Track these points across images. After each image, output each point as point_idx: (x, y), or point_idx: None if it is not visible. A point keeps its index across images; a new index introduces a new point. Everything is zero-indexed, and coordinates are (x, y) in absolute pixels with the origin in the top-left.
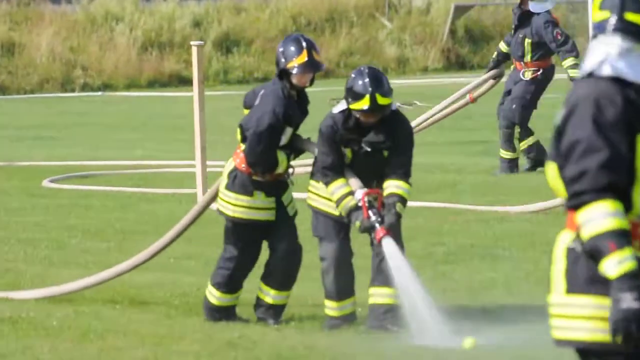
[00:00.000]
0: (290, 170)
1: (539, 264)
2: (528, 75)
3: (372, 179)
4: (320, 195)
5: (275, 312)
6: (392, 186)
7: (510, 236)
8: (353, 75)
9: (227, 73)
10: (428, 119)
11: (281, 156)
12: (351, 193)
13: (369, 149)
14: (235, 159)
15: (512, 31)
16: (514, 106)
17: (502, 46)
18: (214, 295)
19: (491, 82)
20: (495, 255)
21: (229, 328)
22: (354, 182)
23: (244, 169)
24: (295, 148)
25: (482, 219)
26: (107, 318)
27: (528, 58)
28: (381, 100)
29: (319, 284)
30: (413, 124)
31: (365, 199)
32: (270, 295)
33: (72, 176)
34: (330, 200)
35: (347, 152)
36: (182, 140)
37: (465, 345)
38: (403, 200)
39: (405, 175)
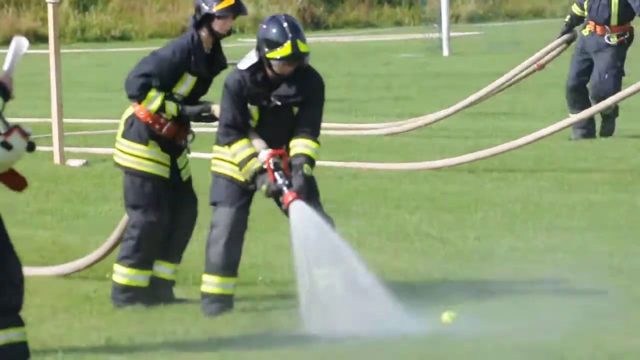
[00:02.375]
0: (190, 136)
1: (390, 219)
2: (614, 40)
3: (280, 139)
4: (225, 160)
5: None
6: (299, 145)
7: (362, 192)
8: (267, 23)
9: (85, 31)
10: (501, 86)
11: (170, 104)
12: (255, 155)
13: (279, 103)
14: (135, 106)
15: None
16: (606, 76)
17: (575, 9)
18: (121, 273)
19: (562, 47)
20: (348, 211)
21: (85, 283)
22: (258, 143)
23: (141, 116)
24: (194, 113)
25: (336, 176)
26: None
27: (615, 21)
28: (302, 47)
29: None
30: (485, 90)
31: (271, 160)
32: (169, 270)
33: None
34: (235, 164)
35: (254, 110)
36: (39, 97)
37: (444, 319)
38: (311, 161)
39: (313, 133)
